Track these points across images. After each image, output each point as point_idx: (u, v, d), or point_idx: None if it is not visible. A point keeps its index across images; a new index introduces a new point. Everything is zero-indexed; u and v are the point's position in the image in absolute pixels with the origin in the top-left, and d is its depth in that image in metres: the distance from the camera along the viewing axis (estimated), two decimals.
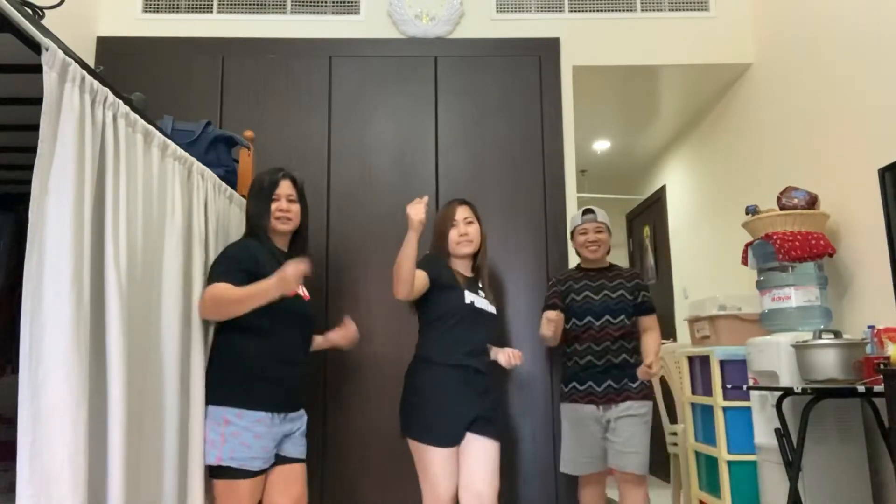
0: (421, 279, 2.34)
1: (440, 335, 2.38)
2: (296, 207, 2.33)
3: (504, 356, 2.46)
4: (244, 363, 2.10)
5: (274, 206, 2.27)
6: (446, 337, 2.38)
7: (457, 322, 2.38)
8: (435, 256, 2.50)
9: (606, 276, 2.77)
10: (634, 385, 2.65)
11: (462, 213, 2.52)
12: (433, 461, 2.26)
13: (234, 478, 2.03)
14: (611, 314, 2.68)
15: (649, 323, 2.77)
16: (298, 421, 2.25)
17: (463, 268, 2.54)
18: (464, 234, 2.49)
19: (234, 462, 2.02)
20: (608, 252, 2.85)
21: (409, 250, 2.22)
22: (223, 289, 2.03)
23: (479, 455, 2.32)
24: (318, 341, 2.47)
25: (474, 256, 2.56)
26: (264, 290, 1.99)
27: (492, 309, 2.53)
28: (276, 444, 2.13)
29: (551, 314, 2.63)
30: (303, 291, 2.31)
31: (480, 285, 2.56)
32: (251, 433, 2.04)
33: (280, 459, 2.17)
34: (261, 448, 2.05)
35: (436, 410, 2.29)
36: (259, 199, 2.29)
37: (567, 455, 2.72)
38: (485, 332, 2.48)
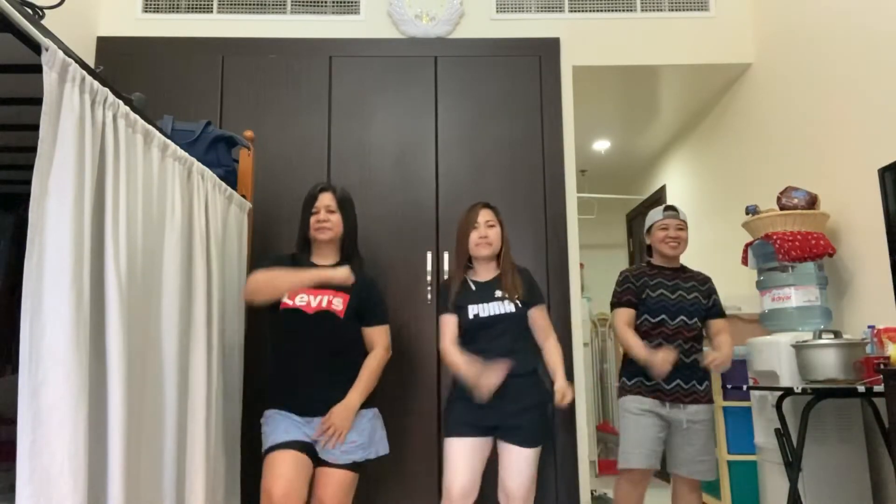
0: (452, 323, 2.49)
1: (465, 347, 2.46)
2: (335, 217, 2.39)
3: (559, 395, 2.43)
4: (269, 376, 2.36)
5: (312, 218, 2.40)
6: (468, 348, 2.45)
7: (471, 336, 2.45)
8: (446, 284, 2.58)
9: (681, 276, 2.70)
10: (702, 388, 2.58)
11: (484, 215, 2.52)
12: (448, 451, 2.39)
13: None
14: (686, 315, 2.61)
15: (721, 325, 2.69)
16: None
17: (484, 271, 2.54)
18: (483, 236, 2.49)
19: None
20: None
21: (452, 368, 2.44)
22: (253, 277, 2.27)
23: (509, 461, 2.37)
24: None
25: (499, 259, 2.55)
26: (286, 281, 2.24)
27: (508, 308, 2.46)
28: (306, 436, 2.24)
29: (667, 356, 2.48)
30: (306, 302, 2.30)
31: (499, 287, 2.52)
32: (274, 420, 2.27)
33: (320, 462, 2.26)
34: (281, 428, 2.23)
35: (453, 408, 2.44)
36: (302, 213, 2.44)
37: (628, 448, 2.56)
38: (507, 334, 2.44)
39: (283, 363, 2.31)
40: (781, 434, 2.58)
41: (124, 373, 1.60)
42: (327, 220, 2.38)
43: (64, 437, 1.38)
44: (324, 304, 2.30)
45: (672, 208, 2.73)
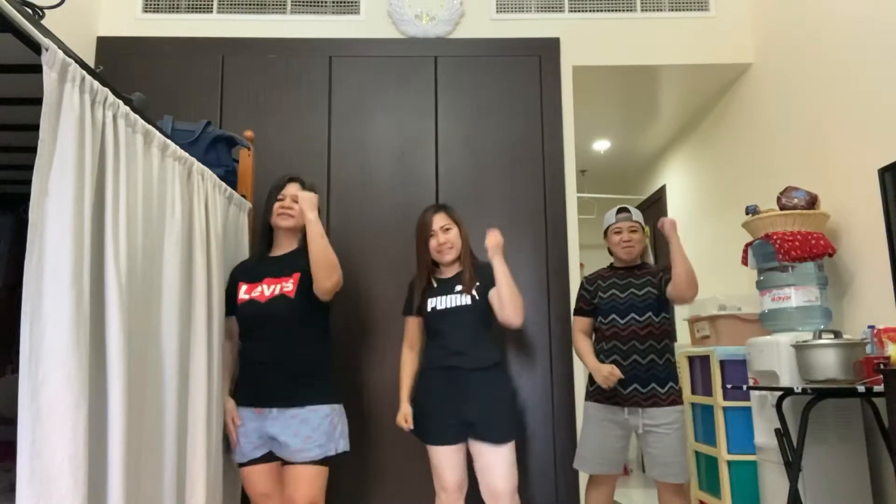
0: (414, 327, 2.62)
1: (427, 342, 2.58)
2: (299, 207, 2.39)
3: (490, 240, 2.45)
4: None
5: (277, 204, 2.41)
6: (430, 343, 2.56)
7: (434, 330, 2.52)
8: (411, 284, 2.65)
9: (635, 273, 2.70)
10: (663, 390, 2.55)
11: (438, 221, 2.56)
12: (433, 457, 2.46)
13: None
14: (636, 312, 2.60)
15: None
16: (286, 419, 2.24)
17: (448, 269, 2.60)
18: (443, 242, 2.53)
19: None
20: (644, 251, 2.78)
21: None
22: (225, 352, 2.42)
23: (491, 462, 2.39)
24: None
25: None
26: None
27: (464, 301, 2.49)
28: (263, 438, 2.28)
29: (610, 374, 2.50)
30: (259, 292, 2.34)
31: (459, 281, 2.55)
32: (241, 426, 2.32)
33: (284, 460, 2.28)
34: (249, 443, 2.30)
35: (426, 412, 2.47)
36: (266, 201, 2.46)
37: (583, 452, 2.65)
38: (463, 327, 2.48)
39: (247, 355, 2.35)
40: (781, 434, 2.58)
41: (124, 373, 1.60)
42: (291, 207, 2.39)
43: (64, 437, 1.38)
44: (276, 291, 2.33)
45: (625, 210, 2.74)
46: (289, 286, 2.33)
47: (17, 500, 1.33)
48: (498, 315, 2.46)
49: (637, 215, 2.75)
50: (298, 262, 2.38)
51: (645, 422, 2.54)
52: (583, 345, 2.72)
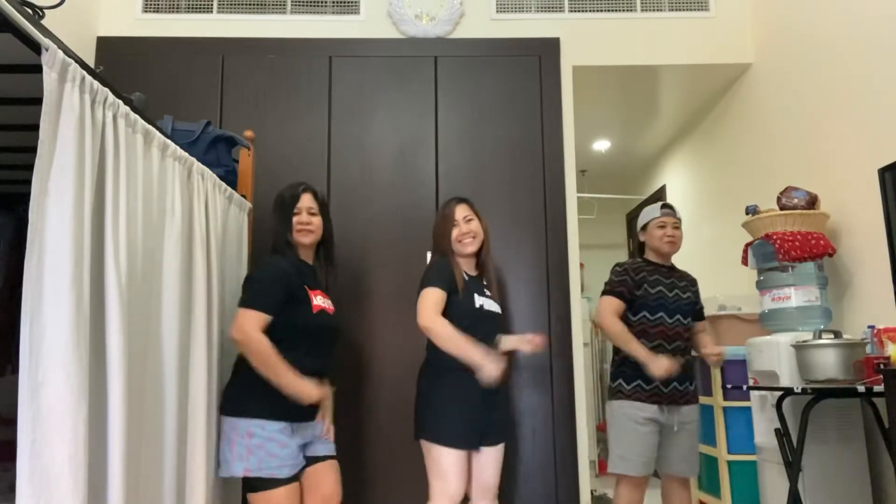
0: (442, 302, 2.36)
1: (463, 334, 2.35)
2: (317, 220, 2.37)
3: (527, 344, 2.43)
4: (263, 377, 2.11)
5: (295, 219, 2.33)
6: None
7: (467, 326, 2.35)
8: (445, 263, 2.44)
9: (675, 274, 2.71)
10: (692, 387, 2.64)
11: (461, 211, 2.51)
12: (450, 462, 2.29)
13: (267, 488, 2.06)
14: (682, 314, 2.63)
15: (703, 325, 2.81)
16: (314, 426, 2.28)
17: (467, 266, 2.53)
18: (465, 232, 2.47)
19: (264, 472, 2.06)
20: None
21: (458, 354, 2.31)
22: (265, 347, 2.10)
23: (491, 459, 2.41)
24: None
25: (478, 254, 2.54)
26: (287, 385, 2.09)
27: (498, 309, 2.52)
28: (302, 448, 2.21)
29: (669, 365, 2.47)
30: (326, 304, 2.34)
31: (486, 283, 2.54)
32: (275, 443, 2.09)
33: (309, 461, 2.24)
34: (287, 455, 2.10)
35: (454, 415, 2.32)
36: (281, 214, 2.35)
37: (624, 454, 2.51)
38: (493, 334, 2.47)
39: (306, 364, 2.20)
40: (781, 434, 2.58)
41: (124, 373, 1.59)
42: (310, 222, 2.34)
43: (64, 437, 1.38)
44: (327, 304, 2.36)
45: (669, 206, 2.73)
46: (328, 303, 2.38)
47: (17, 500, 1.33)
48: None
49: (679, 214, 2.77)
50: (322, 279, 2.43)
51: (680, 419, 2.57)
52: (624, 331, 2.55)
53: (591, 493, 3.71)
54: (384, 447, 3.12)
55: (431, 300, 2.34)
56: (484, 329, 2.41)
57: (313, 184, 2.48)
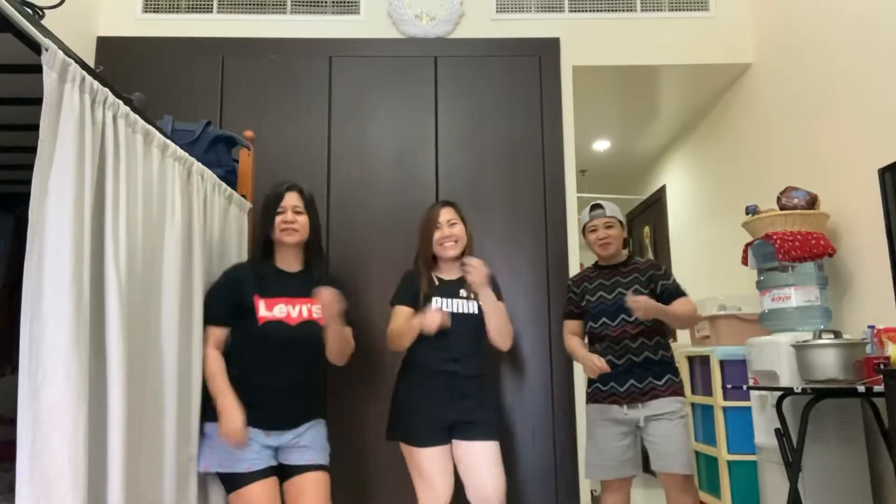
0: (409, 315, 2.43)
1: (421, 343, 2.41)
2: (303, 219, 2.28)
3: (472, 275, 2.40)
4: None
5: (279, 218, 2.26)
6: (425, 345, 2.41)
7: (436, 333, 2.37)
8: (410, 276, 2.54)
9: (621, 271, 2.63)
10: (661, 382, 2.50)
11: (445, 214, 2.52)
12: (423, 460, 2.33)
13: (236, 486, 2.05)
14: (626, 313, 2.53)
15: (681, 301, 2.53)
16: (296, 433, 2.20)
17: (448, 270, 2.54)
18: (448, 235, 2.49)
19: (223, 468, 2.06)
20: (624, 246, 2.71)
21: (412, 333, 2.37)
22: (208, 363, 2.13)
23: (475, 461, 2.34)
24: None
25: (462, 257, 2.54)
26: (218, 405, 2.08)
27: (472, 309, 2.47)
28: (271, 450, 2.15)
29: (599, 364, 2.47)
30: (285, 313, 2.20)
31: (464, 286, 2.52)
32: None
33: (288, 470, 2.18)
34: (247, 450, 2.08)
35: (413, 413, 2.38)
36: (265, 212, 2.29)
37: (589, 458, 2.57)
38: (466, 335, 2.45)
39: (253, 376, 2.15)
40: (781, 434, 2.58)
41: (124, 373, 1.60)
42: (294, 221, 2.25)
43: (64, 437, 1.38)
44: (304, 313, 2.23)
45: (598, 206, 2.67)
46: (316, 311, 2.24)
47: (17, 500, 1.33)
48: (489, 336, 2.49)
49: (612, 210, 2.67)
50: (313, 285, 2.23)
51: (646, 413, 2.48)
52: (573, 342, 2.67)
53: (591, 494, 3.70)
54: (381, 450, 3.11)
55: (393, 321, 2.45)
56: (455, 332, 2.42)
57: (312, 183, 2.46)
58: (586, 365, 2.53)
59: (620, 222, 2.69)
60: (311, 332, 2.22)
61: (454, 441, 2.38)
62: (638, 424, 2.51)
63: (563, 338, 2.74)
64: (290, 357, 2.19)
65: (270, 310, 2.18)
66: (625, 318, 2.55)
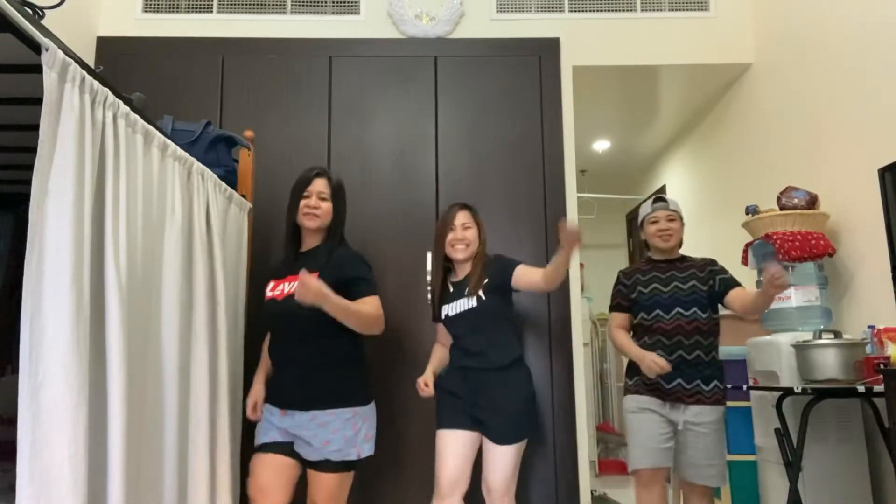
0: (442, 330, 2.63)
1: (451, 345, 2.59)
2: (326, 205, 2.33)
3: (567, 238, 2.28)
4: None
5: (303, 202, 2.33)
6: (452, 346, 2.57)
7: (452, 334, 2.55)
8: (433, 293, 2.63)
9: (677, 266, 2.58)
10: (707, 388, 2.43)
11: (461, 218, 2.53)
12: (439, 439, 2.45)
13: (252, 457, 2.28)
14: (682, 306, 2.48)
15: (741, 292, 2.49)
16: (310, 419, 2.18)
17: (461, 270, 2.57)
18: (460, 238, 2.50)
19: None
20: (681, 243, 2.67)
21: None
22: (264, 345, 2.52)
23: (490, 457, 2.41)
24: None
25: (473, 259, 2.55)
26: None
27: (471, 304, 2.47)
28: (282, 430, 2.24)
29: (653, 362, 2.40)
30: (280, 290, 2.27)
31: (468, 284, 2.53)
32: (263, 417, 2.33)
33: (306, 462, 2.23)
34: (262, 425, 2.29)
35: (439, 401, 2.52)
36: (292, 196, 2.37)
37: (634, 450, 2.46)
38: (474, 329, 2.47)
39: (271, 355, 2.34)
40: (781, 434, 2.58)
41: (124, 373, 1.60)
42: (318, 206, 2.31)
43: (64, 437, 1.38)
44: (287, 289, 2.25)
45: (661, 199, 2.66)
46: (287, 287, 2.26)
47: (17, 500, 1.33)
48: (545, 281, 2.38)
49: (674, 204, 2.65)
50: (319, 258, 2.29)
51: (686, 418, 2.43)
52: (623, 337, 2.58)
53: (592, 494, 3.71)
54: (389, 447, 3.12)
55: (437, 336, 2.70)
56: (464, 331, 2.49)
57: (332, 176, 2.41)
58: (644, 364, 2.42)
59: (681, 218, 2.66)
60: (290, 307, 2.18)
61: (483, 437, 2.44)
62: (677, 426, 2.46)
63: (610, 332, 2.66)
64: (286, 333, 2.27)
65: (273, 290, 2.32)
66: (681, 312, 2.49)
